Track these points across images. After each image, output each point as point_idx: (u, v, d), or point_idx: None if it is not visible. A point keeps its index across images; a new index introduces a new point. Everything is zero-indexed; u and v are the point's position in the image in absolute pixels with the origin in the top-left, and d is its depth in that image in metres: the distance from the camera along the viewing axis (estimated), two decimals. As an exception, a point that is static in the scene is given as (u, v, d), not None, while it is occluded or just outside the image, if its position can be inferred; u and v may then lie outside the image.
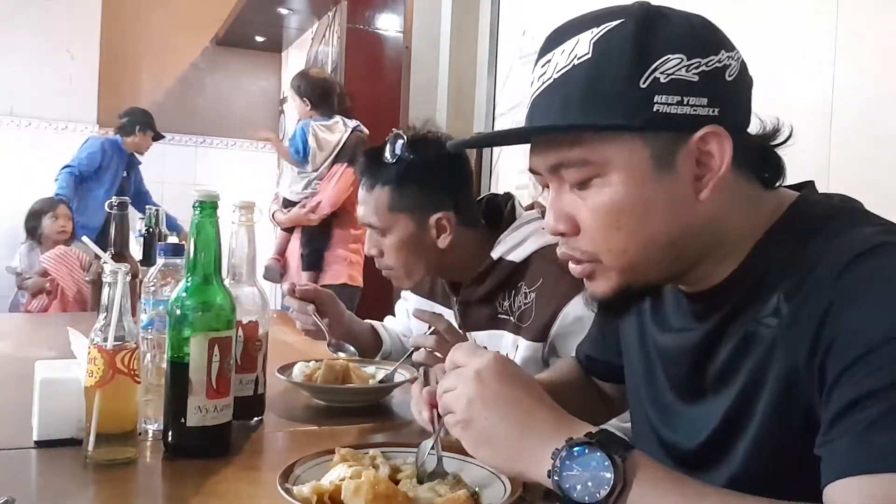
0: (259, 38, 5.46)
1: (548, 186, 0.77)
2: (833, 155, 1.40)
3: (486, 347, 0.90)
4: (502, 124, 3.02)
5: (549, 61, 0.73)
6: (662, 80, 0.68)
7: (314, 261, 3.28)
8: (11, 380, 1.30)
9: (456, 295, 1.44)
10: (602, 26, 0.70)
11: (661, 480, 0.65)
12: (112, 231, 1.50)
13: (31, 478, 0.91)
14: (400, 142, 1.35)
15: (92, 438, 0.88)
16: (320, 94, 3.42)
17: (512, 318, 1.35)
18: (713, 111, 0.69)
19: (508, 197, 1.47)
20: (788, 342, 0.67)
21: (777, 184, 0.76)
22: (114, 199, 1.53)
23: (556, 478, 0.66)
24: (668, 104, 0.68)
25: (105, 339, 0.89)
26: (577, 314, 1.26)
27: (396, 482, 0.79)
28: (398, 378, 1.30)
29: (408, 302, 1.64)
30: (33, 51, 4.85)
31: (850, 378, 0.61)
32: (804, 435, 0.66)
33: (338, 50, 4.17)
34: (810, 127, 1.44)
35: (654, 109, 0.68)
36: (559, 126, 0.72)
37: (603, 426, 0.70)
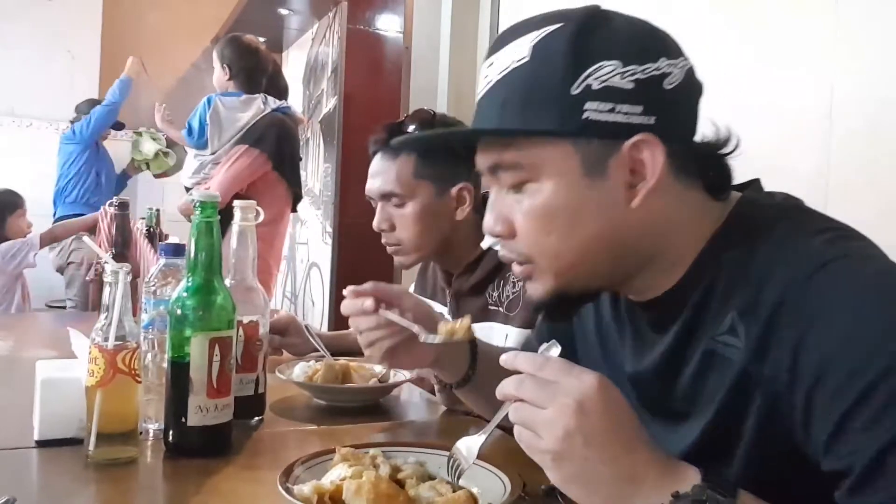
0: (259, 39, 5.46)
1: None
2: (833, 157, 1.40)
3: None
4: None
5: (492, 64, 0.74)
6: (595, 87, 0.67)
7: None
8: (12, 380, 1.30)
9: (449, 286, 1.46)
10: (543, 29, 0.70)
11: None
12: (112, 231, 1.51)
13: (33, 477, 0.91)
14: (424, 117, 1.39)
15: (93, 438, 0.88)
16: (244, 66, 2.91)
17: (501, 308, 1.37)
18: (648, 119, 0.68)
19: None
20: (763, 371, 0.67)
21: (724, 194, 0.75)
22: (114, 199, 1.53)
23: None
24: (600, 111, 0.68)
25: (106, 339, 0.89)
26: None
27: (397, 482, 0.79)
28: (396, 377, 1.30)
29: None
30: (34, 51, 4.85)
31: (857, 421, 0.60)
32: (787, 460, 0.67)
33: (338, 50, 4.17)
34: (810, 129, 1.44)
35: (585, 116, 0.68)
36: (491, 130, 0.73)
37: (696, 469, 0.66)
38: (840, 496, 0.61)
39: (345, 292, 0.96)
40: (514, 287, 1.35)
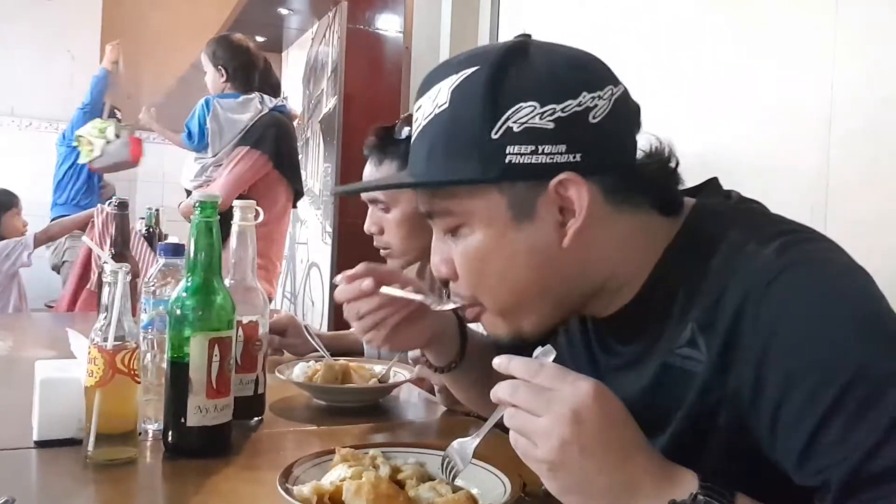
0: (259, 38, 5.44)
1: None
2: (832, 157, 1.40)
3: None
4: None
5: (420, 107, 0.74)
6: (515, 130, 0.67)
7: None
8: (11, 380, 1.30)
9: (446, 287, 1.46)
10: (460, 73, 0.70)
11: None
12: (112, 231, 1.51)
13: (32, 478, 0.91)
14: (408, 124, 1.38)
15: (92, 438, 0.88)
16: (239, 65, 2.89)
17: None
18: (573, 157, 0.68)
19: None
20: (727, 386, 0.67)
21: (675, 209, 0.75)
22: (114, 198, 1.53)
23: None
24: (522, 154, 0.67)
25: (105, 339, 0.89)
26: None
27: (397, 482, 0.79)
28: (395, 377, 1.30)
29: None
30: (34, 51, 4.86)
31: (827, 436, 0.59)
32: (752, 471, 0.67)
33: (338, 50, 4.17)
34: (810, 129, 1.44)
35: (507, 161, 0.67)
36: (415, 183, 0.74)
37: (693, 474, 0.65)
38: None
39: (337, 279, 0.93)
40: None
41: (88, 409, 0.89)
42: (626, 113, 0.72)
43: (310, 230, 4.66)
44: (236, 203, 1.10)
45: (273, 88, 3.01)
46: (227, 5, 4.92)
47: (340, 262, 4.06)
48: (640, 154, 0.74)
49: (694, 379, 0.69)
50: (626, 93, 0.72)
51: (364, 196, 1.44)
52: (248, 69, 2.91)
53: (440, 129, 0.71)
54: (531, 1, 2.73)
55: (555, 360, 0.69)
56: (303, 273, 4.77)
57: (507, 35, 3.07)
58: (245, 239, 1.10)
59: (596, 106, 0.68)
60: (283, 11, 4.79)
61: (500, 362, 0.69)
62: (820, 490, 0.61)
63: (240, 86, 2.88)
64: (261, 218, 1.12)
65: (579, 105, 0.68)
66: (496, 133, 0.67)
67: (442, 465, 0.79)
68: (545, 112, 0.67)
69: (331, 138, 4.21)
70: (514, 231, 0.70)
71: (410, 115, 1.40)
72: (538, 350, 0.70)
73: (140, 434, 0.95)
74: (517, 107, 0.67)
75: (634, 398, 0.73)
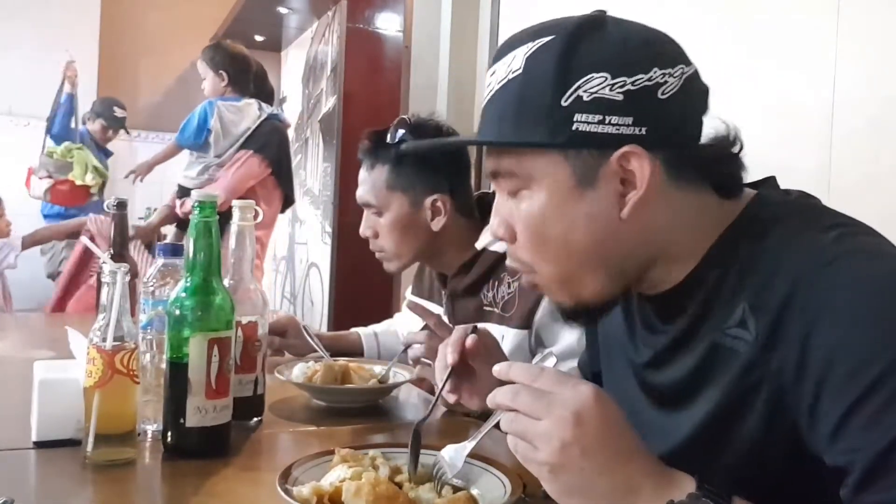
0: (258, 38, 5.46)
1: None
2: (834, 155, 1.40)
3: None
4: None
5: (494, 72, 0.75)
6: (585, 99, 0.68)
7: None
8: (10, 380, 1.29)
9: (445, 287, 1.46)
10: (535, 41, 0.71)
11: None
12: (111, 231, 1.50)
13: (30, 478, 0.90)
14: (402, 126, 1.40)
15: (91, 439, 0.88)
16: (238, 70, 3.01)
17: (496, 309, 1.37)
18: (639, 130, 0.69)
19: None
20: (770, 364, 0.67)
21: (734, 193, 0.75)
22: (113, 198, 1.53)
23: None
24: (589, 123, 0.68)
25: (104, 340, 0.89)
26: None
27: (397, 483, 0.79)
28: (395, 377, 1.29)
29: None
30: (32, 50, 4.85)
31: (859, 417, 0.60)
32: (788, 454, 0.67)
33: (337, 49, 4.17)
34: (811, 128, 1.44)
35: (574, 128, 0.68)
36: (485, 141, 0.76)
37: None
38: (845, 494, 0.61)
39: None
40: (509, 287, 1.35)
41: (87, 409, 0.89)
42: (696, 93, 0.73)
43: (309, 230, 4.66)
44: (235, 203, 1.10)
45: (267, 95, 3.13)
46: (225, 4, 4.92)
47: (340, 262, 4.06)
48: (705, 136, 0.75)
49: (739, 358, 0.70)
50: (696, 73, 0.73)
51: (360, 197, 1.45)
52: (246, 73, 3.03)
53: (513, 93, 0.72)
54: (531, 1, 2.73)
55: (589, 337, 0.69)
56: (302, 273, 4.77)
57: (507, 34, 3.07)
58: (244, 239, 1.10)
59: (666, 82, 0.69)
60: (283, 10, 4.78)
61: (499, 369, 0.70)
62: (845, 472, 0.61)
63: (239, 89, 3.00)
64: (260, 218, 1.12)
65: (649, 80, 0.69)
66: (566, 101, 0.68)
67: (434, 472, 0.80)
68: (616, 84, 0.68)
69: (330, 138, 4.21)
70: (575, 198, 0.71)
71: (405, 119, 1.42)
72: (538, 356, 0.70)
73: (139, 435, 0.94)
74: (588, 76, 0.68)
75: (683, 377, 0.75)
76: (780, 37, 1.54)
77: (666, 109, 0.70)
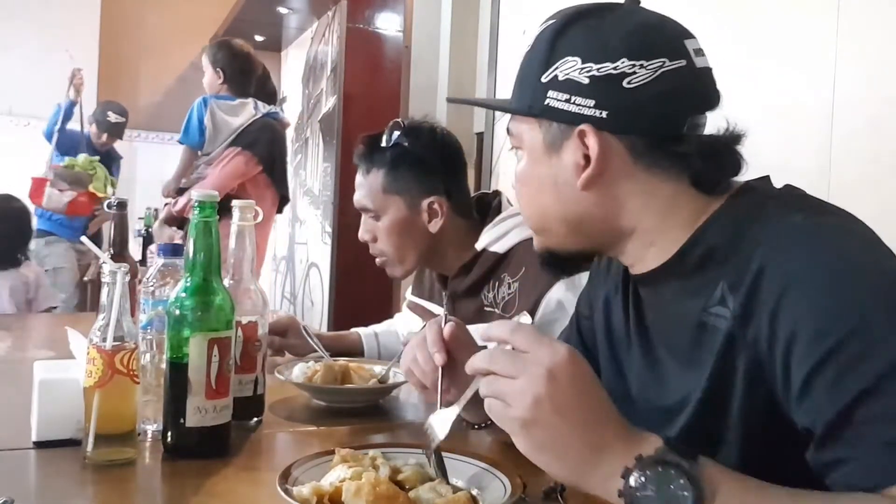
0: (258, 38, 5.46)
1: None
2: (834, 156, 1.40)
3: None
4: (503, 124, 3.02)
5: (526, 35, 0.84)
6: (560, 78, 0.77)
7: None
8: (10, 380, 1.30)
9: (445, 288, 1.46)
10: (547, 22, 0.80)
11: (741, 492, 0.64)
12: (111, 231, 1.50)
13: (30, 479, 0.90)
14: (397, 129, 1.41)
15: (91, 439, 0.88)
16: (238, 69, 3.01)
17: (497, 309, 1.37)
18: (599, 112, 0.75)
19: (497, 194, 1.52)
20: (747, 337, 0.70)
21: (713, 188, 0.78)
22: (113, 198, 1.53)
23: (629, 500, 0.63)
24: (558, 100, 0.77)
25: (104, 340, 0.89)
26: (558, 298, 1.29)
27: (397, 483, 0.79)
28: (395, 377, 1.29)
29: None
30: (33, 50, 4.85)
31: (820, 380, 0.64)
32: (775, 421, 0.70)
33: (337, 49, 4.17)
34: (812, 128, 1.44)
35: (547, 103, 0.78)
36: (486, 104, 0.98)
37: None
38: (809, 454, 0.65)
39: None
40: (509, 288, 1.36)
41: (87, 409, 0.89)
42: (675, 88, 0.75)
43: (309, 230, 4.66)
44: (236, 203, 1.10)
45: (269, 96, 3.12)
46: (225, 5, 4.92)
47: (340, 262, 4.06)
48: (704, 131, 0.79)
49: (719, 334, 0.73)
50: (684, 69, 0.75)
51: (357, 201, 1.45)
52: (246, 74, 3.02)
53: (521, 65, 0.82)
54: (531, 1, 2.73)
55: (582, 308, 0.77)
56: (302, 273, 4.77)
57: (507, 34, 3.07)
58: (244, 239, 1.10)
59: (634, 73, 0.74)
60: (283, 10, 4.79)
61: (481, 332, 0.76)
62: (811, 432, 0.65)
63: (236, 89, 2.99)
64: (260, 217, 1.12)
65: (615, 69, 0.74)
66: (546, 77, 0.77)
67: (426, 450, 0.81)
68: (584, 69, 0.75)
69: (330, 138, 4.21)
70: (545, 162, 0.81)
71: (399, 122, 1.42)
72: (517, 317, 0.74)
73: (139, 435, 0.94)
74: (565, 59, 0.76)
75: (677, 357, 0.79)
76: (780, 37, 1.54)
77: (630, 98, 0.75)
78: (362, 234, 1.47)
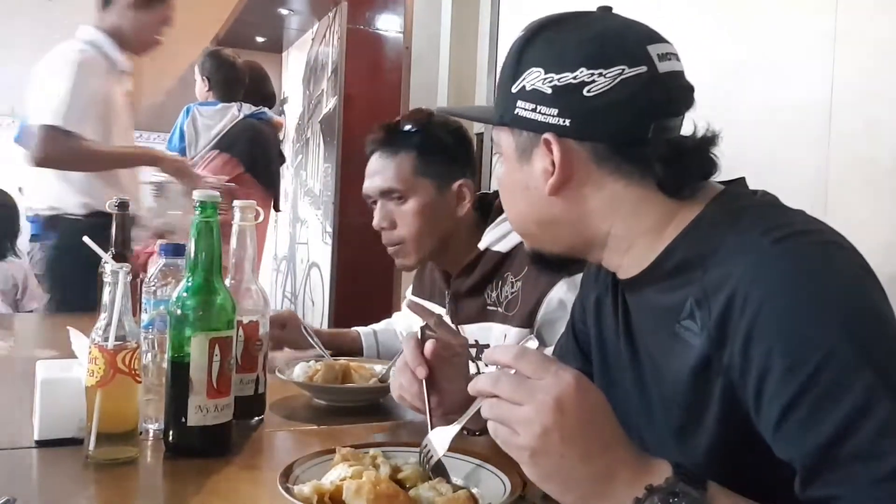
0: (259, 39, 5.46)
1: None
2: (832, 155, 1.40)
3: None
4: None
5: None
6: (527, 89, 0.79)
7: None
8: (12, 380, 1.30)
9: (448, 287, 1.47)
10: (520, 35, 0.82)
11: None
12: (113, 231, 1.50)
13: (32, 477, 0.91)
14: (418, 115, 1.43)
15: (93, 438, 0.88)
16: (223, 77, 3.15)
17: (500, 308, 1.37)
18: (562, 121, 0.77)
19: (497, 193, 1.51)
20: (722, 360, 0.70)
21: (677, 194, 0.78)
22: (114, 198, 1.53)
23: None
24: (525, 109, 0.79)
25: (106, 339, 0.89)
26: (560, 297, 1.29)
27: (397, 482, 0.79)
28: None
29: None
30: (34, 51, 4.85)
31: (797, 414, 0.63)
32: (745, 442, 0.70)
33: (338, 50, 4.17)
34: (809, 127, 1.44)
35: (516, 112, 0.80)
36: (467, 115, 1.06)
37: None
38: (797, 490, 0.65)
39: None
40: (512, 287, 1.36)
41: (89, 408, 0.89)
42: (635, 94, 0.76)
43: (310, 230, 4.66)
44: (236, 203, 1.11)
45: (265, 98, 3.22)
46: (226, 6, 4.92)
47: (340, 262, 4.06)
48: (677, 134, 0.79)
49: (693, 350, 0.73)
50: (643, 76, 0.76)
51: (380, 185, 1.42)
52: (231, 83, 3.15)
53: (499, 75, 0.84)
54: (531, 1, 2.74)
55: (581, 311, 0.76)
56: (303, 273, 4.77)
57: (507, 34, 3.08)
58: (245, 239, 1.10)
59: (594, 82, 0.76)
60: (283, 12, 4.78)
61: (485, 355, 0.75)
62: (793, 465, 0.65)
63: (222, 95, 3.11)
64: (261, 218, 1.12)
65: (574, 78, 0.76)
66: (515, 88, 0.80)
67: (420, 454, 0.82)
68: (546, 79, 0.77)
69: (331, 138, 4.21)
70: (517, 170, 0.84)
71: (421, 108, 1.43)
72: (523, 340, 0.73)
73: (141, 434, 0.95)
74: (530, 70, 0.79)
75: (657, 363, 0.80)
76: (778, 37, 1.54)
77: (591, 105, 0.76)
78: (379, 222, 1.44)
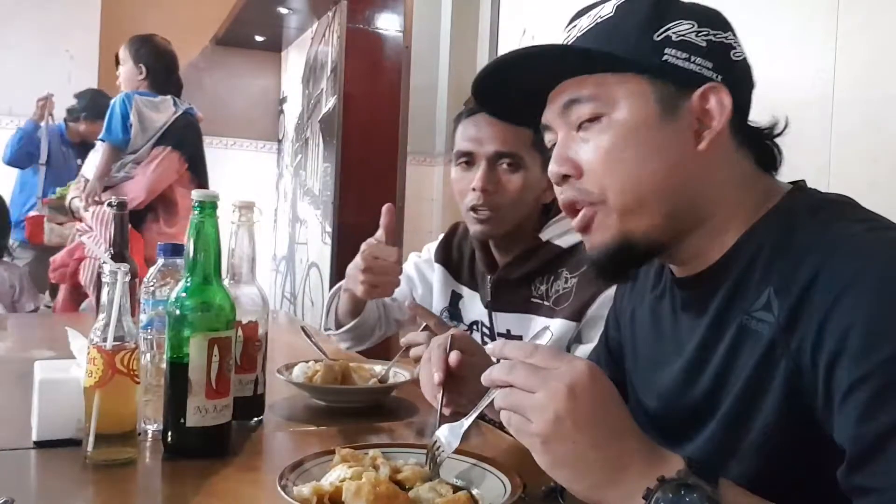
0: (259, 38, 5.46)
1: (553, 146, 0.82)
2: (833, 155, 1.40)
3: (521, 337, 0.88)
4: (502, 124, 3.02)
5: (574, 26, 0.80)
6: (674, 39, 0.75)
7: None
8: (11, 380, 1.30)
9: (491, 273, 1.45)
10: None
11: None
12: (111, 231, 1.50)
13: (31, 478, 0.90)
14: None
15: (91, 439, 0.88)
16: (163, 67, 3.06)
17: (547, 301, 1.37)
18: (717, 76, 0.75)
19: None
20: (790, 345, 0.68)
21: (773, 168, 0.80)
22: (113, 198, 1.53)
23: None
24: (677, 58, 0.74)
25: (104, 340, 0.89)
26: (611, 296, 1.27)
27: (397, 483, 0.79)
28: (395, 377, 1.29)
29: (418, 270, 1.64)
30: (32, 50, 4.85)
31: (859, 399, 0.62)
32: (807, 435, 0.68)
33: (337, 50, 4.17)
34: (811, 127, 1.44)
35: (664, 59, 0.74)
36: (580, 48, 0.78)
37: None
38: (840, 473, 0.63)
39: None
40: (566, 283, 1.35)
41: (88, 409, 0.89)
42: (750, 69, 0.80)
43: (309, 230, 4.65)
44: (236, 203, 1.10)
45: (178, 90, 3.14)
46: (225, 5, 4.92)
47: (340, 262, 4.05)
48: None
49: (761, 339, 0.71)
50: (748, 61, 0.80)
51: (499, 147, 1.35)
52: (170, 73, 3.08)
53: (603, 32, 0.77)
54: (531, 1, 2.73)
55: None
56: (302, 273, 4.77)
57: (507, 34, 3.08)
58: (244, 239, 1.10)
59: (737, 48, 0.78)
60: (283, 11, 4.78)
61: (493, 348, 0.73)
62: (845, 450, 0.63)
63: (157, 87, 3.03)
64: (261, 217, 1.12)
65: (726, 38, 0.77)
66: (658, 36, 0.75)
67: (428, 451, 0.81)
68: (701, 32, 0.75)
69: (330, 138, 4.21)
70: (656, 126, 0.75)
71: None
72: (535, 332, 0.71)
73: (139, 434, 0.94)
74: (678, 21, 0.75)
75: (718, 361, 0.76)
76: (779, 36, 1.54)
77: (738, 68, 0.77)
78: (486, 183, 1.35)
